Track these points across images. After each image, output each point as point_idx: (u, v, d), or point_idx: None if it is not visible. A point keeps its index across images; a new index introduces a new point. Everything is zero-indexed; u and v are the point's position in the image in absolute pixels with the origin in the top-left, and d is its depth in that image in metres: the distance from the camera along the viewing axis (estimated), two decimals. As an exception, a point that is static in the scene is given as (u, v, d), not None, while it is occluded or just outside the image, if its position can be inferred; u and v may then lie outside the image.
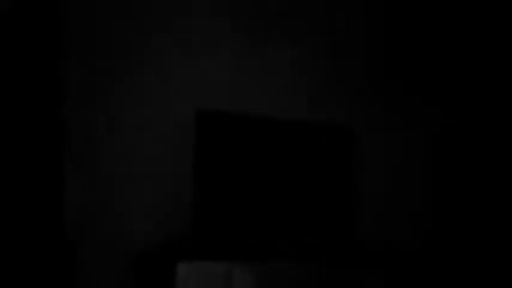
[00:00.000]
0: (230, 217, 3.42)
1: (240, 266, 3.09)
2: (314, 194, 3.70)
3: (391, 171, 4.15)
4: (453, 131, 4.38)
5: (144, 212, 3.33)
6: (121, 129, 3.31)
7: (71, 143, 3.14)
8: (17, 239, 2.84)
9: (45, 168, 2.94)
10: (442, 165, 4.32)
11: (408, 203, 4.20)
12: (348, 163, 3.82)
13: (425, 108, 4.30)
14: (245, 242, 3.40)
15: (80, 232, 3.15)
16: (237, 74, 3.64)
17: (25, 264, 2.84)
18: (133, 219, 3.31)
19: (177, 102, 3.46)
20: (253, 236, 3.47)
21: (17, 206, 2.85)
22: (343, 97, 4.00)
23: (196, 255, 3.07)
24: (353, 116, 4.02)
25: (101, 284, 3.20)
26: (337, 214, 3.77)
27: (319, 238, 3.68)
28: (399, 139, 4.18)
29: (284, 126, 3.61)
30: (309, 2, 3.90)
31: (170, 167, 3.41)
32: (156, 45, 3.42)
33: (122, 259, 3.26)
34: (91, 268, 3.18)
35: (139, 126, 3.35)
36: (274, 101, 3.76)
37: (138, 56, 3.37)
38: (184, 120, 3.46)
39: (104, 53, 3.27)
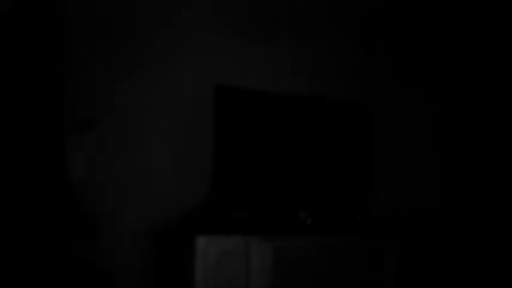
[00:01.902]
0: (249, 191, 3.45)
1: (258, 239, 3.13)
2: (333, 167, 3.74)
3: (405, 146, 4.19)
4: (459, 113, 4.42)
5: (163, 186, 3.36)
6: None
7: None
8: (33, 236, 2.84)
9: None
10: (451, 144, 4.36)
11: (421, 175, 4.23)
12: (366, 139, 3.87)
13: (439, 87, 4.35)
14: (262, 216, 3.43)
15: (100, 206, 3.17)
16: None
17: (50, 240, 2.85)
18: (153, 193, 3.33)
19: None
20: (271, 211, 3.49)
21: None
22: (361, 77, 4.04)
23: (215, 229, 3.10)
24: (372, 95, 4.06)
25: (120, 257, 3.22)
26: (356, 188, 3.81)
27: (338, 212, 3.71)
28: (412, 118, 4.24)
29: (302, 102, 3.66)
30: None
31: (190, 141, 3.44)
32: (156, 44, 3.42)
33: (141, 233, 3.28)
34: (110, 241, 3.20)
35: (155, 104, 3.39)
36: (292, 81, 3.79)
37: (138, 56, 3.37)
38: (200, 96, 3.49)
39: (104, 53, 3.27)
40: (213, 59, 3.58)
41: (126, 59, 3.34)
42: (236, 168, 3.42)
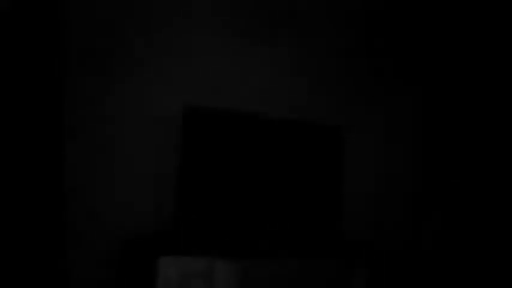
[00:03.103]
0: (214, 212, 3.42)
1: (222, 261, 3.09)
2: (300, 191, 3.70)
3: (376, 169, 4.16)
4: (438, 131, 4.39)
5: (127, 203, 3.31)
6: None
7: (71, 142, 3.14)
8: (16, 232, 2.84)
9: (45, 167, 2.94)
10: (428, 163, 4.33)
11: (392, 201, 4.21)
12: (334, 161, 3.82)
13: (412, 104, 4.31)
14: (228, 238, 3.40)
15: (68, 221, 3.14)
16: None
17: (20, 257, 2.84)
18: (116, 211, 3.28)
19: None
20: (236, 232, 3.47)
21: (17, 209, 2.85)
22: (330, 97, 4.00)
23: (178, 250, 3.06)
24: (339, 114, 4.02)
25: (80, 278, 3.19)
26: (323, 212, 3.78)
27: (304, 235, 3.69)
28: (383, 137, 4.21)
29: (272, 123, 3.62)
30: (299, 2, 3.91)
31: (154, 161, 3.40)
32: (156, 45, 3.42)
33: (102, 254, 3.23)
34: (75, 254, 3.17)
35: (127, 122, 3.35)
36: (263, 100, 3.76)
37: (138, 55, 3.37)
38: (172, 116, 3.45)
39: (104, 53, 3.27)
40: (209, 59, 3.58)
41: (126, 60, 3.34)
42: (201, 190, 3.38)
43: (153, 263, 2.96)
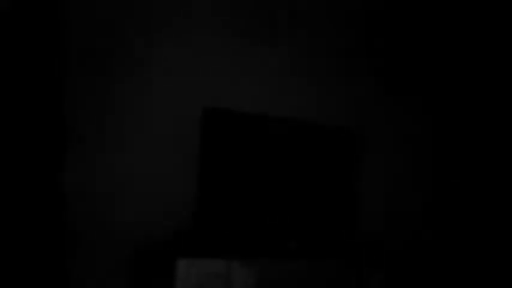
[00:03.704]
0: (232, 214, 3.43)
1: (239, 263, 3.10)
2: (317, 192, 3.71)
3: (392, 171, 4.17)
4: (452, 132, 4.39)
5: (146, 208, 3.33)
6: (123, 127, 3.30)
7: (72, 141, 3.14)
8: (19, 231, 2.84)
9: (45, 166, 2.94)
10: (441, 166, 4.33)
11: (408, 203, 4.22)
12: (350, 163, 3.84)
13: (425, 109, 4.32)
14: (245, 239, 3.40)
15: (81, 227, 3.15)
16: (240, 74, 3.65)
17: (24, 255, 2.84)
18: (135, 215, 3.30)
19: (179, 99, 3.46)
20: (253, 233, 3.47)
21: (18, 205, 2.85)
22: (346, 99, 4.01)
23: (196, 252, 3.07)
24: (356, 117, 4.04)
25: (100, 279, 3.20)
26: (340, 213, 3.79)
27: (322, 236, 3.69)
28: (401, 140, 4.22)
29: (287, 125, 3.63)
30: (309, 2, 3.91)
31: (174, 164, 3.42)
32: (156, 44, 3.42)
33: (122, 255, 3.25)
34: (90, 263, 3.18)
35: (142, 123, 3.35)
36: (274, 101, 3.77)
37: (138, 55, 3.37)
38: (188, 117, 3.46)
39: (104, 53, 3.27)
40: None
41: (126, 60, 3.34)
42: (220, 191, 3.40)
43: (172, 265, 2.98)
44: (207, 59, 3.55)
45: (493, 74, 4.39)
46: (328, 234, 3.74)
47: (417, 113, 4.30)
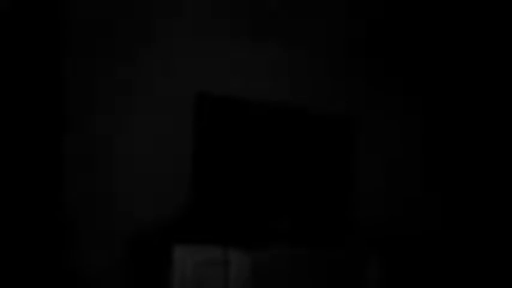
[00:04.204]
0: (228, 200, 3.44)
1: (236, 249, 3.10)
2: (312, 178, 3.72)
3: (388, 158, 4.19)
4: (447, 118, 4.40)
5: (143, 194, 3.33)
6: (120, 115, 3.31)
7: (71, 135, 3.15)
8: (18, 223, 2.85)
9: (45, 163, 2.95)
10: (436, 151, 4.35)
11: (404, 189, 4.22)
12: (345, 148, 3.85)
13: (421, 96, 4.34)
14: (241, 226, 3.41)
15: (78, 216, 3.16)
16: (238, 61, 3.65)
17: (23, 249, 2.85)
18: (132, 202, 3.31)
19: (177, 88, 3.47)
20: (249, 220, 3.48)
21: (18, 201, 2.86)
22: (342, 85, 4.03)
23: (193, 239, 3.08)
24: (352, 104, 4.05)
25: (98, 265, 3.20)
26: (336, 200, 3.80)
27: (319, 223, 3.70)
28: (395, 126, 4.23)
29: (283, 112, 3.65)
30: None
31: (168, 151, 3.42)
32: (156, 45, 3.43)
33: (118, 241, 3.25)
34: (88, 250, 3.18)
35: (138, 110, 3.36)
36: (272, 88, 3.78)
37: (140, 56, 3.38)
38: (184, 104, 3.47)
39: (104, 53, 3.28)
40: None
41: (126, 59, 3.35)
42: (215, 177, 3.40)
43: (169, 252, 2.99)
44: (201, 44, 3.56)
45: (481, 58, 4.39)
46: (324, 220, 3.74)
47: (412, 97, 4.31)
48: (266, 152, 3.57)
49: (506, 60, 4.32)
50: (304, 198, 3.68)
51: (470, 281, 4.18)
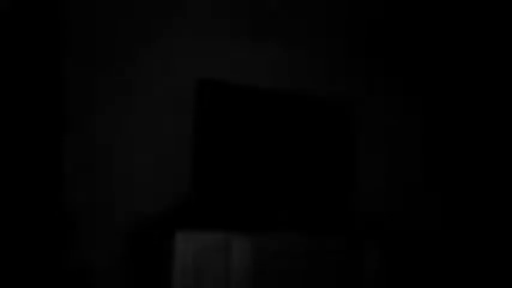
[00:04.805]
0: (229, 186, 3.45)
1: (238, 235, 3.11)
2: (313, 165, 3.73)
3: (388, 143, 4.19)
4: (448, 105, 4.40)
5: (143, 182, 3.34)
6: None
7: (71, 135, 3.15)
8: (19, 214, 2.85)
9: (45, 163, 2.95)
10: (437, 139, 4.35)
11: (404, 176, 4.22)
12: (345, 136, 3.86)
13: (422, 81, 4.33)
14: (242, 212, 3.42)
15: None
16: (238, 46, 3.66)
17: (24, 237, 2.85)
18: (133, 191, 3.31)
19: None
20: (251, 206, 3.49)
21: (18, 201, 2.87)
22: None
23: (194, 225, 3.09)
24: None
25: (99, 254, 3.21)
26: (336, 185, 3.80)
27: (320, 210, 3.70)
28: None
29: (283, 97, 3.65)
30: None
31: (170, 136, 3.42)
32: (156, 44, 3.44)
33: (120, 228, 3.26)
34: (89, 238, 3.19)
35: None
36: (272, 74, 3.77)
37: (140, 56, 3.38)
38: (184, 90, 3.48)
39: (104, 53, 3.29)
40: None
41: (125, 60, 3.35)
42: (216, 164, 3.41)
43: (170, 238, 3.00)
44: (201, 44, 3.56)
45: (481, 58, 4.39)
46: (325, 209, 3.75)
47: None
48: (267, 143, 3.58)
49: (507, 60, 4.32)
50: (305, 187, 3.69)
51: (468, 275, 4.18)
